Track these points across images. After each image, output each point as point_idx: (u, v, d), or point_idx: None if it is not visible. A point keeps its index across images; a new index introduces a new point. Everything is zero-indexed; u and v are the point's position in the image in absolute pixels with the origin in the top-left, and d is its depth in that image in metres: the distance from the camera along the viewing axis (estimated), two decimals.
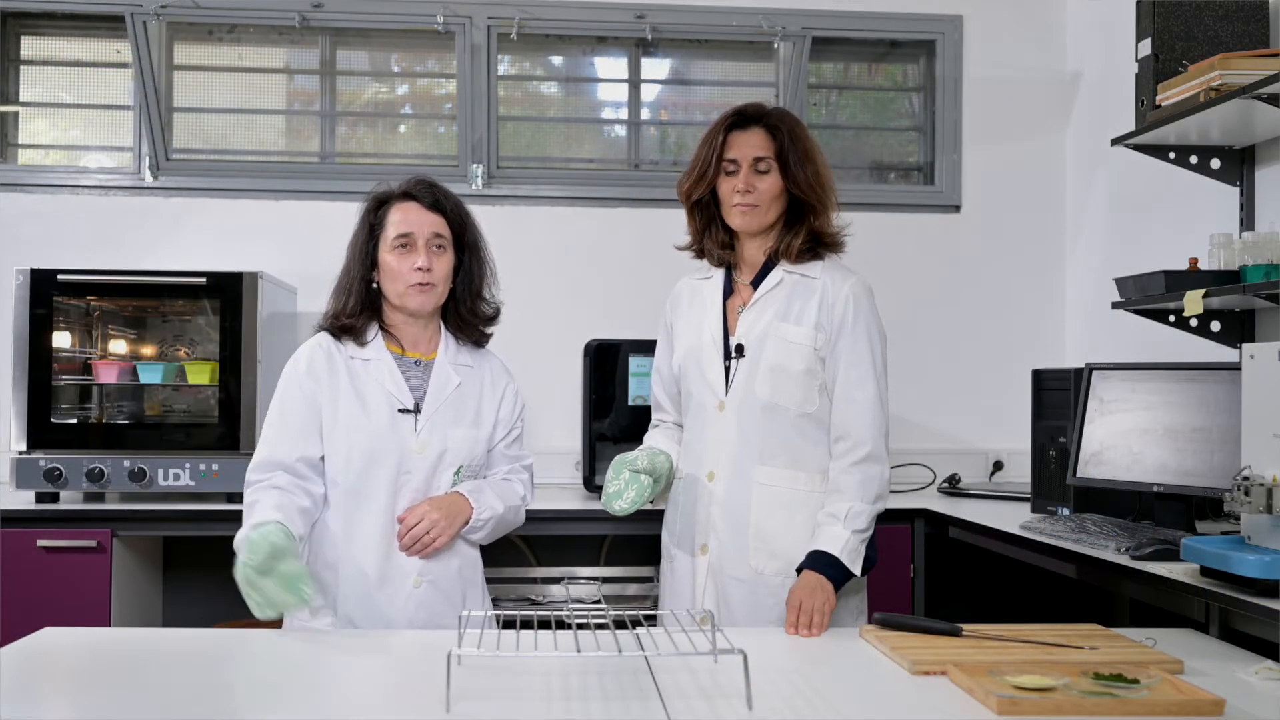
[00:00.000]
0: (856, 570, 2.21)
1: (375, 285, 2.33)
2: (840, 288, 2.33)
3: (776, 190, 2.33)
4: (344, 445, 2.25)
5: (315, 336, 2.35)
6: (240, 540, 2.06)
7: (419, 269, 2.28)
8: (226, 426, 3.26)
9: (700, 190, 2.38)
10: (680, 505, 2.41)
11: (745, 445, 2.32)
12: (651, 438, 2.52)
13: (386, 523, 2.25)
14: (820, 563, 2.19)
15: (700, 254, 2.47)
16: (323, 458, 2.27)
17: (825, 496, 2.29)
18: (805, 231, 2.35)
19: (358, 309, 2.32)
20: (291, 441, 2.25)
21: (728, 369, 2.36)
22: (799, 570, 2.21)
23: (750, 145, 2.33)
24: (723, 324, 2.39)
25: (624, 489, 2.28)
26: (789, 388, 2.30)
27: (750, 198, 2.32)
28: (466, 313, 2.39)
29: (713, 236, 2.43)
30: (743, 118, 2.37)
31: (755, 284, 2.38)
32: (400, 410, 2.28)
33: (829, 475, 2.30)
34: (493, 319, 2.45)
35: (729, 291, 2.42)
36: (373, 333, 2.34)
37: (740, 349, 2.34)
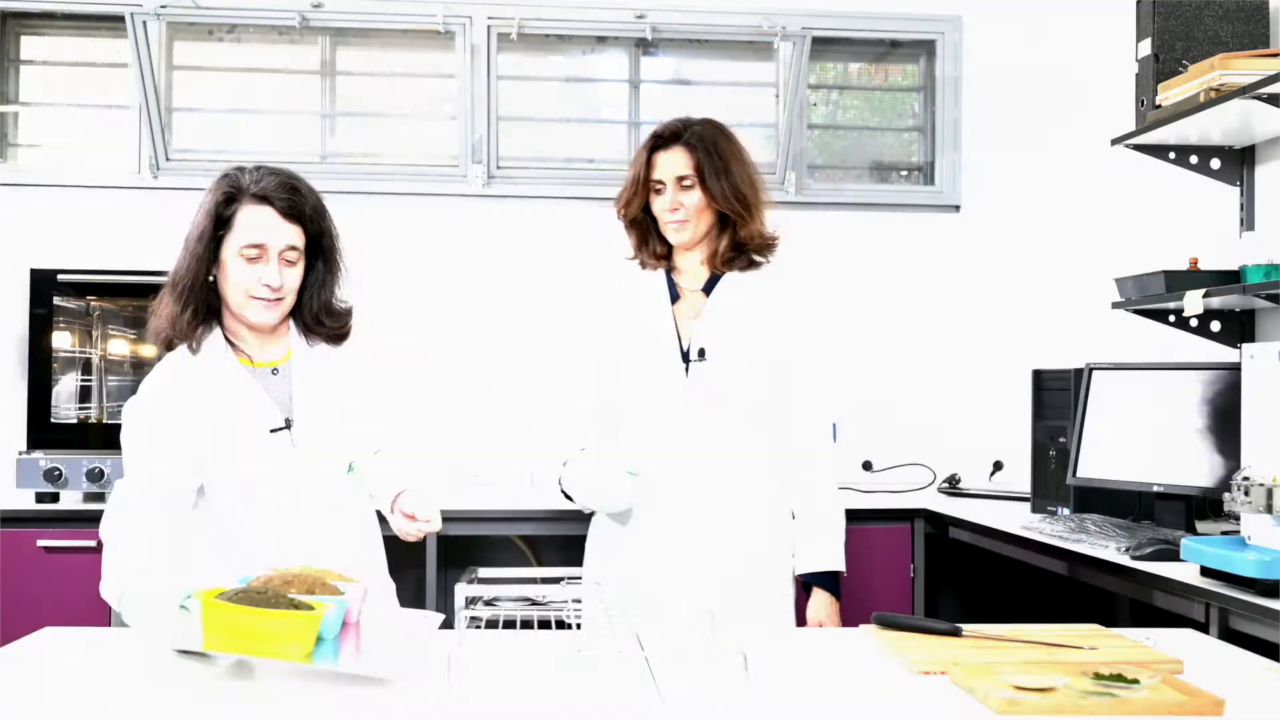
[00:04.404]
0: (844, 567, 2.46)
1: (213, 279, 2.13)
2: (787, 290, 2.48)
3: (702, 204, 2.43)
4: (219, 477, 2.12)
5: (160, 365, 2.16)
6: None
7: (267, 285, 2.08)
8: None
9: (634, 210, 2.51)
10: (641, 503, 2.44)
11: (701, 442, 2.40)
12: (603, 441, 2.51)
13: (299, 543, 2.08)
14: (826, 580, 2.42)
15: (643, 265, 2.56)
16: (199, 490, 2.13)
17: (794, 502, 2.45)
18: (729, 240, 2.47)
19: (196, 321, 2.11)
20: (165, 477, 2.09)
21: (684, 370, 2.42)
22: (806, 588, 2.41)
23: (672, 165, 2.43)
24: (674, 326, 2.46)
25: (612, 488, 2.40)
26: (743, 389, 2.42)
27: (679, 214, 2.43)
28: (311, 320, 2.20)
29: (649, 249, 2.53)
30: (662, 139, 2.46)
31: (708, 289, 2.48)
32: (272, 430, 2.13)
33: (790, 478, 2.46)
34: (344, 319, 2.24)
35: (674, 296, 2.49)
36: (215, 342, 2.15)
37: (699, 352, 2.42)
